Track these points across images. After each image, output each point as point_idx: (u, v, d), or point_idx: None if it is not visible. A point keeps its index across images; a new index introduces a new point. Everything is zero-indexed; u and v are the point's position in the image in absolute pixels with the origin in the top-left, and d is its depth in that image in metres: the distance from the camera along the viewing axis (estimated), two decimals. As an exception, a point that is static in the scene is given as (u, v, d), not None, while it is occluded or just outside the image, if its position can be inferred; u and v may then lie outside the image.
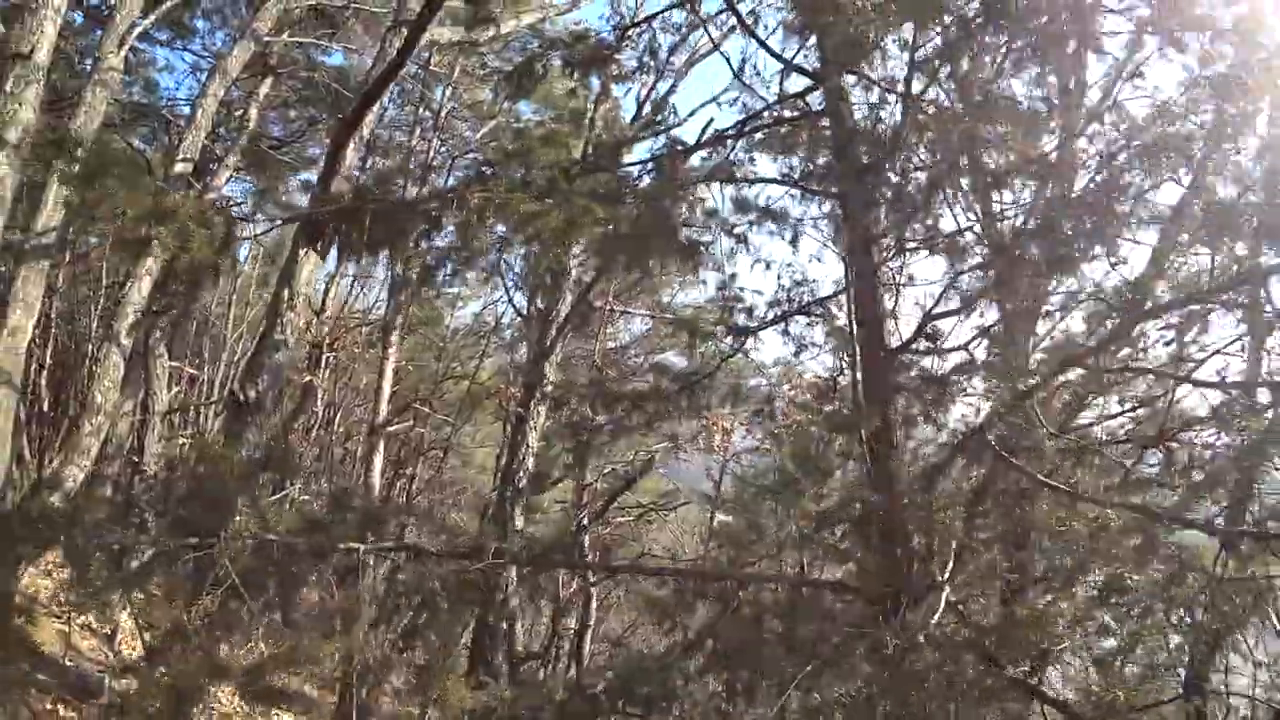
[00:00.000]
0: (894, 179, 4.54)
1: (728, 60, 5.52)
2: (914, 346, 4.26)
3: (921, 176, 4.75)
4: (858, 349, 4.01)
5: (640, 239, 3.97)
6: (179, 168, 8.36)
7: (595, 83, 6.25)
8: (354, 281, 16.39)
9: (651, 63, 6.24)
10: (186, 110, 14.82)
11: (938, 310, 4.29)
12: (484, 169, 4.22)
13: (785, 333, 5.57)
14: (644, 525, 17.23)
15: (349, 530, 3.10)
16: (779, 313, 5.07)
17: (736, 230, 5.03)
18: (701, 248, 5.15)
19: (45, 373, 15.30)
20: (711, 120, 5.41)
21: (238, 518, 2.73)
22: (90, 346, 12.92)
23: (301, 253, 6.58)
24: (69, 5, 10.49)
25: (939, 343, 4.25)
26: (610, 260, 4.38)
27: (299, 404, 14.36)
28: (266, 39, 10.43)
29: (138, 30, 9.77)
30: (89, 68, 9.80)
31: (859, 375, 4.09)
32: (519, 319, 15.99)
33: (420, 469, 19.37)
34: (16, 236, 8.52)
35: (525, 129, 5.65)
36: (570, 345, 18.81)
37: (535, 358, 7.82)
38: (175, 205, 2.92)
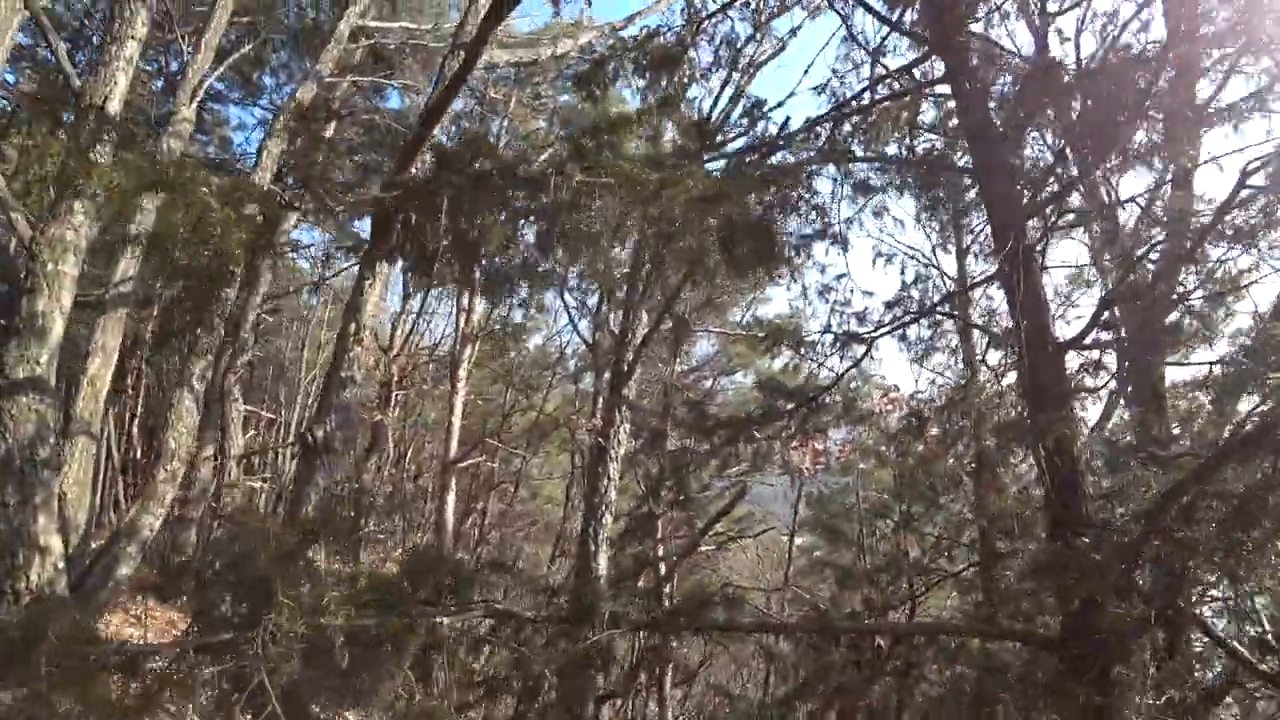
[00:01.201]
0: (1034, 150, 3.78)
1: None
2: (1088, 340, 3.48)
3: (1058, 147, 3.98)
4: (1020, 343, 3.24)
5: (750, 231, 3.33)
6: (247, 210, 8.13)
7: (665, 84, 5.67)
8: (419, 317, 16.20)
9: (726, 55, 5.63)
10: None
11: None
12: (583, 141, 3.62)
13: (903, 338, 4.82)
14: (719, 552, 16.36)
15: (427, 596, 2.52)
16: (900, 314, 4.32)
17: (845, 220, 4.33)
18: (801, 245, 4.48)
19: (135, 420, 15.55)
20: (788, 118, 4.73)
21: (279, 607, 2.11)
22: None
23: (366, 283, 6.18)
24: (143, 63, 10.57)
25: (1118, 332, 3.47)
26: (703, 263, 3.71)
27: (371, 443, 14.13)
28: (329, 80, 10.31)
29: (207, 83, 9.77)
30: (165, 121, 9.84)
31: (1022, 375, 3.34)
32: (586, 347, 15.55)
33: (491, 503, 18.98)
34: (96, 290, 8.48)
35: (601, 117, 5.07)
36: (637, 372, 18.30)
37: (613, 383, 7.20)
38: (179, 173, 2.31)
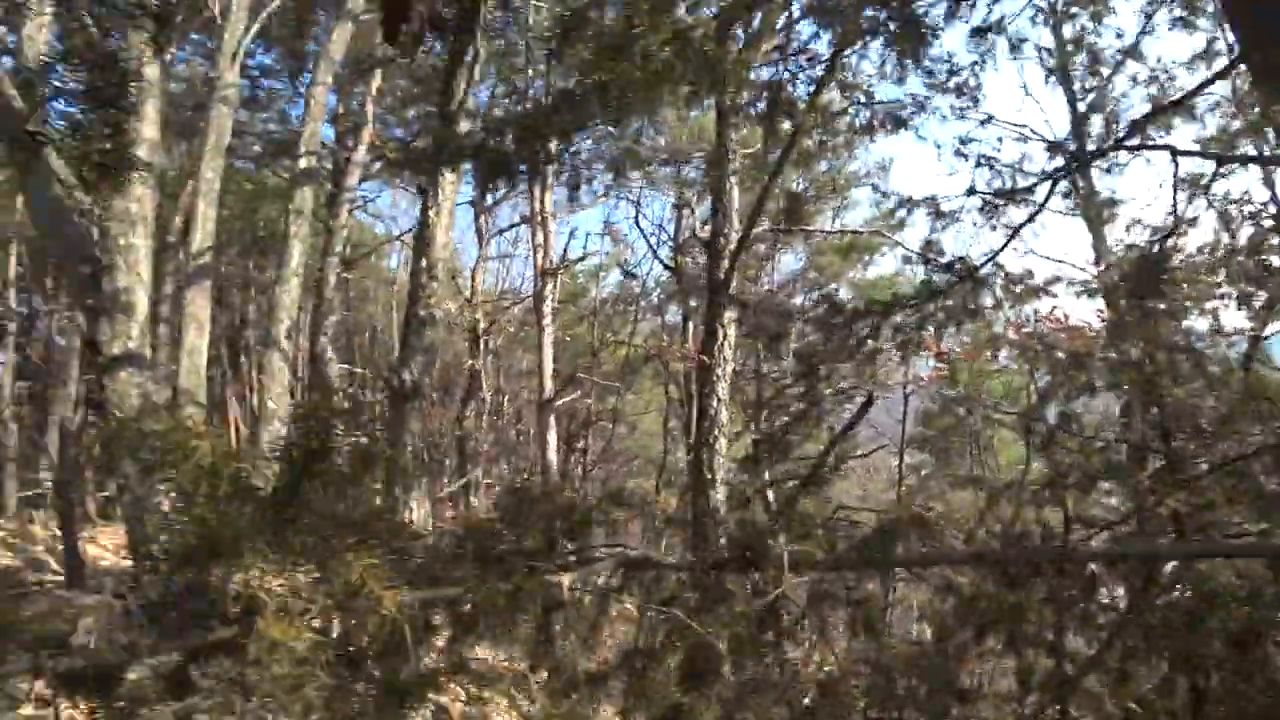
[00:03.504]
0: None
1: None
2: None
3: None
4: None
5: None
6: (302, 163, 7.71)
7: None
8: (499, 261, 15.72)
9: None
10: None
11: None
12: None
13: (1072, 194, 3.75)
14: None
15: (535, 544, 1.88)
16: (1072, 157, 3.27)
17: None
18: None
19: (247, 388, 15.96)
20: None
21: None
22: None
23: (431, 213, 5.58)
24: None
25: None
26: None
27: (467, 392, 13.92)
28: (362, 15, 9.59)
29: (244, 45, 9.19)
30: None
31: None
32: (670, 274, 14.70)
33: (590, 441, 18.73)
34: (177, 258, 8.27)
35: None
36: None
37: (711, 295, 6.38)
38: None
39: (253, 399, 16.05)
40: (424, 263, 5.39)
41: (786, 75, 5.00)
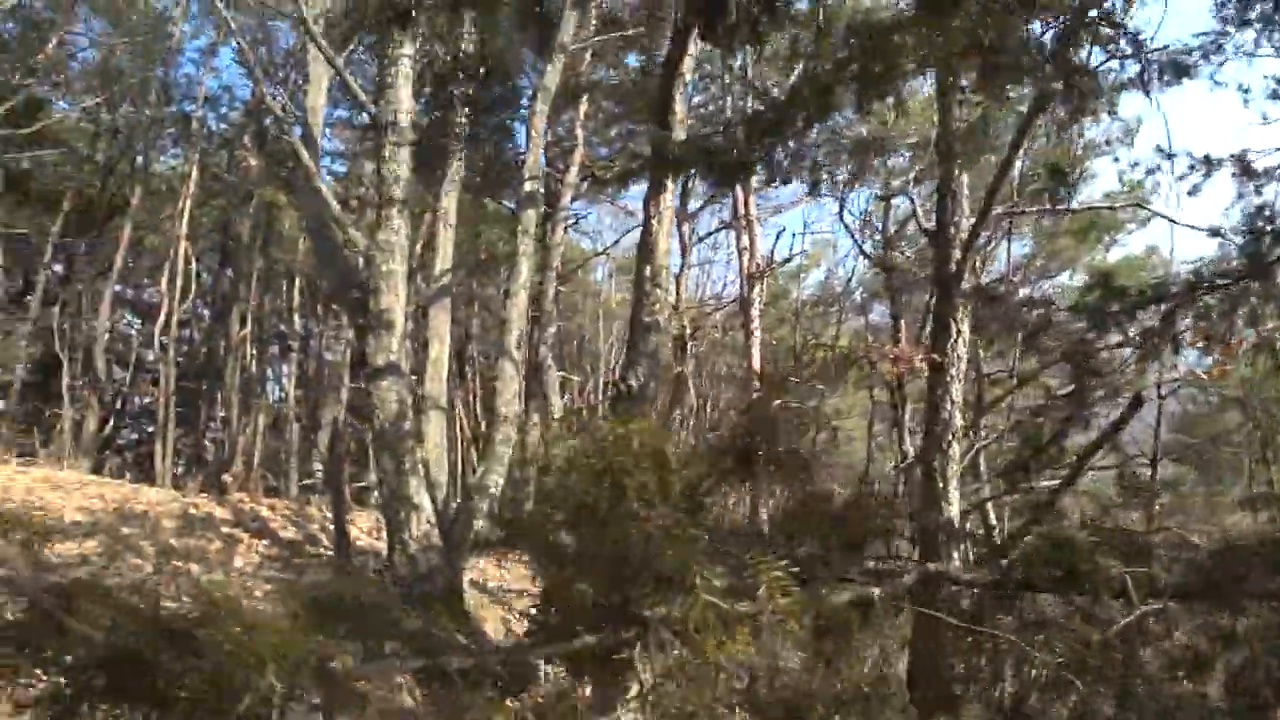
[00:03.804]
0: None
1: None
2: None
3: None
4: None
5: None
6: (528, 186, 8.30)
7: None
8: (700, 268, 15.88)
9: None
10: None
11: None
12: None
13: None
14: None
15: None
16: None
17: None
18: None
19: (471, 394, 17.61)
20: None
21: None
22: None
23: (654, 221, 5.72)
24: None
25: None
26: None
27: (673, 396, 14.20)
28: (572, 47, 10.14)
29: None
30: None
31: None
32: (878, 271, 13.96)
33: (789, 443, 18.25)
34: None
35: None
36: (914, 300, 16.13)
37: (942, 287, 5.90)
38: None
39: (475, 405, 17.67)
40: (647, 271, 5.53)
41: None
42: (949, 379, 5.75)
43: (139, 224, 16.62)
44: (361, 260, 7.92)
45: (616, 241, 18.25)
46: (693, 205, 14.89)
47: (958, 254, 5.87)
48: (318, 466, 16.75)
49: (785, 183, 5.70)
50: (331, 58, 7.31)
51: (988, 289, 5.78)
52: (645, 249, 5.64)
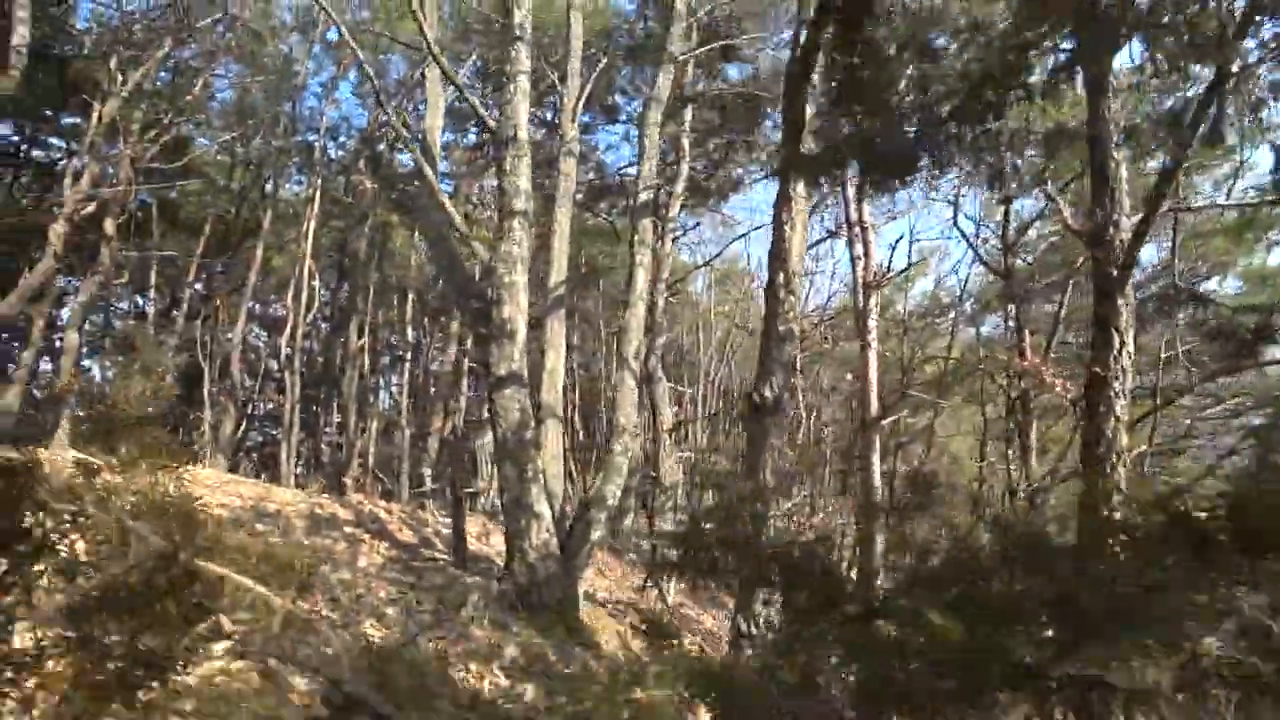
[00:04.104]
0: None
1: None
2: None
3: None
4: None
5: None
6: (642, 197, 8.26)
7: None
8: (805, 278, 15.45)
9: None
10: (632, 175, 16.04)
11: None
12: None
13: None
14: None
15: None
16: None
17: None
18: None
19: (575, 406, 17.80)
20: None
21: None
22: (601, 380, 14.26)
23: (786, 227, 5.49)
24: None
25: None
26: None
27: (776, 410, 13.82)
28: (681, 56, 10.09)
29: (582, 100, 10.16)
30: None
31: None
32: (993, 279, 13.16)
33: (896, 464, 17.49)
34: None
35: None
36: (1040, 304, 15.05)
37: (1102, 293, 5.38)
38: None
39: (573, 415, 17.84)
40: (780, 278, 5.31)
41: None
42: (1112, 394, 5.21)
43: (268, 245, 17.81)
44: (479, 271, 8.08)
45: (719, 254, 18.12)
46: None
47: (1120, 256, 5.34)
48: (426, 471, 17.31)
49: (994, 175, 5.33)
50: (454, 77, 7.51)
51: (1195, 292, 5.22)
52: (777, 256, 5.42)
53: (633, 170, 17.10)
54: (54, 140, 17.16)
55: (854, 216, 10.27)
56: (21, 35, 11.40)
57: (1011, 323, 15.16)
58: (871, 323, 9.65)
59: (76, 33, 15.15)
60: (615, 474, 7.41)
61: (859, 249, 10.18)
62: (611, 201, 17.35)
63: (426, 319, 20.87)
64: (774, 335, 5.25)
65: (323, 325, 22.04)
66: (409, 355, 19.95)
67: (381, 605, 7.00)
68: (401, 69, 18.13)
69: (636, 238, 8.11)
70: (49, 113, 16.11)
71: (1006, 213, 12.13)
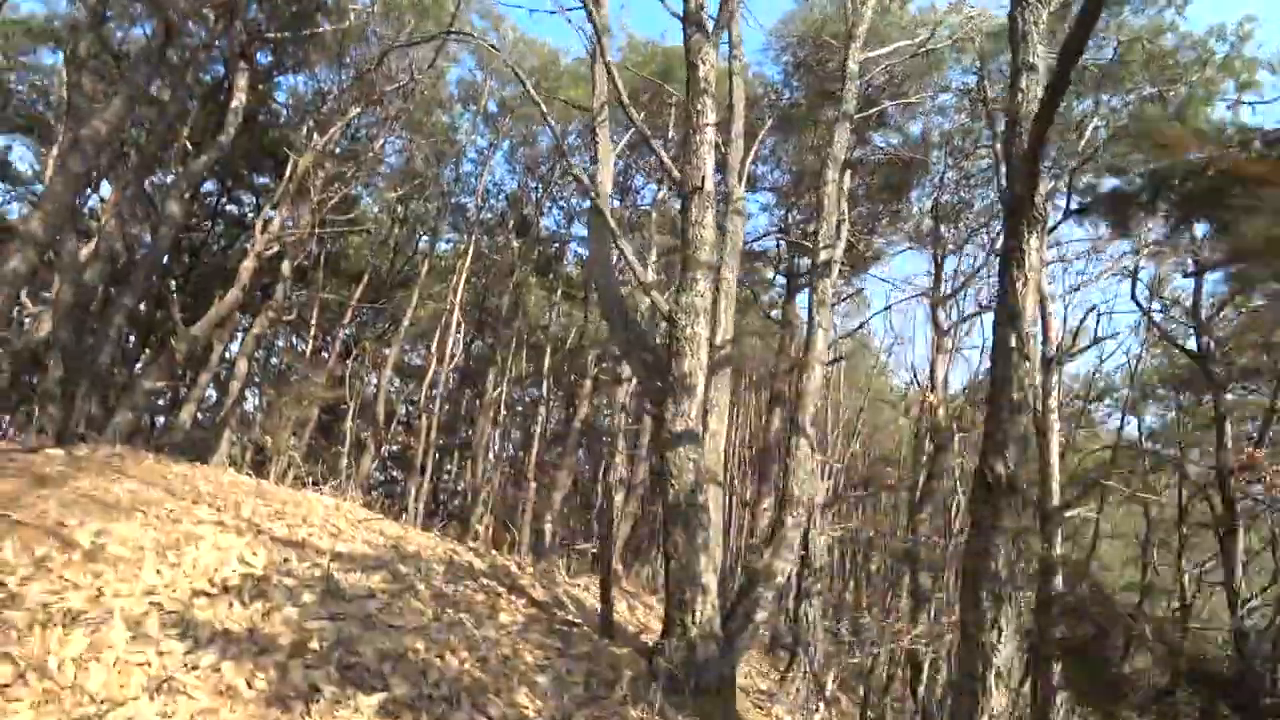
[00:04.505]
0: None
1: None
2: None
3: None
4: None
5: None
6: (822, 255, 7.97)
7: None
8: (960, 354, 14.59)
9: None
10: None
11: None
12: None
13: None
14: None
15: None
16: None
17: None
18: None
19: (744, 469, 17.31)
20: None
21: None
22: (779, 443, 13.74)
23: (1018, 284, 4.99)
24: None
25: None
26: None
27: (923, 490, 12.85)
28: (856, 115, 9.90)
29: (748, 164, 10.14)
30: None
31: None
32: (1188, 359, 11.83)
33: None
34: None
35: None
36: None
37: None
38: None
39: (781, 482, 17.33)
40: (1012, 339, 4.81)
41: None
42: None
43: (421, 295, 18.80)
44: (659, 323, 7.90)
45: (863, 324, 17.51)
46: (951, 285, 13.80)
47: None
48: (548, 523, 17.20)
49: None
50: (643, 129, 7.57)
51: None
52: (1006, 313, 4.91)
53: (769, 241, 17.01)
54: (244, 196, 19.07)
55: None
56: (238, 102, 12.79)
57: (1190, 411, 13.60)
58: (1054, 402, 8.77)
59: (276, 105, 16.96)
60: (787, 549, 6.84)
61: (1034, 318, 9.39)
62: (748, 268, 17.22)
63: (554, 377, 21.20)
64: (1006, 405, 4.70)
65: (455, 375, 22.86)
66: (543, 409, 20.26)
67: (530, 671, 6.60)
68: (547, 138, 19.07)
69: (816, 298, 7.78)
70: (244, 172, 17.96)
71: (1198, 285, 10.99)
